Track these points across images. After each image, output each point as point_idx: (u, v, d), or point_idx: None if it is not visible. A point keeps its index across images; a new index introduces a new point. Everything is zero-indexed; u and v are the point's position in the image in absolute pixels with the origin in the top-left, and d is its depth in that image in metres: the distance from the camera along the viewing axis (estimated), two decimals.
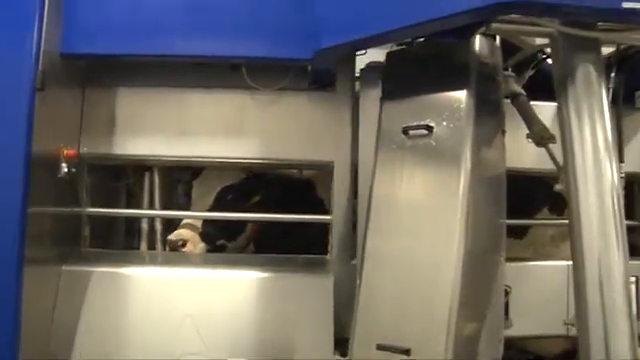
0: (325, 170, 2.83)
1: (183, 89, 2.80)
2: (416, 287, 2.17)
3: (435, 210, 2.19)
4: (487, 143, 2.38)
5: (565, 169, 2.23)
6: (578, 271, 2.15)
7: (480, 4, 1.87)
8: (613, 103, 3.15)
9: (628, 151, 3.13)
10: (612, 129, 2.73)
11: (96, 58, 2.63)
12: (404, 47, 2.51)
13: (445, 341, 2.05)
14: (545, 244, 3.17)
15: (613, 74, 3.12)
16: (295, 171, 3.39)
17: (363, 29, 2.19)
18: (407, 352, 2.09)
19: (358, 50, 2.52)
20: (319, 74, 2.71)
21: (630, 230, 3.34)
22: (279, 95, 2.78)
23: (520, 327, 2.96)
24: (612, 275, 2.11)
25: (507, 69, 2.81)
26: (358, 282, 2.31)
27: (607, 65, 3.11)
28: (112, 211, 3.11)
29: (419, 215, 2.23)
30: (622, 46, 2.98)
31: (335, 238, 2.70)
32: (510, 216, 3.05)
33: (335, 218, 2.70)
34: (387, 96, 2.45)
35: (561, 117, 2.25)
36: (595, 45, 2.29)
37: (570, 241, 2.20)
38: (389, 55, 2.52)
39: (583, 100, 2.21)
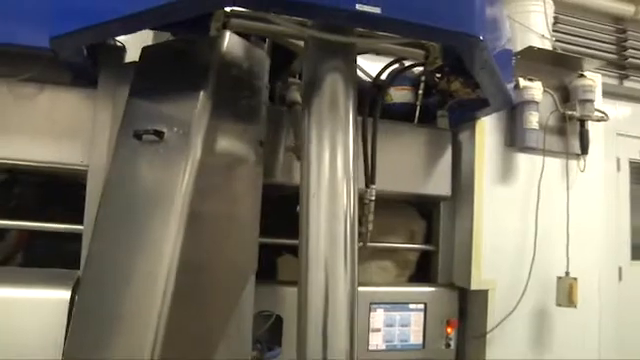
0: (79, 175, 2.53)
1: None
2: (127, 305, 1.90)
3: (154, 222, 1.94)
4: (231, 154, 2.16)
5: (301, 187, 2.03)
6: (301, 299, 1.96)
7: None
8: (419, 122, 3.04)
9: (431, 173, 2.98)
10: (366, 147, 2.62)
11: None
12: (160, 42, 2.28)
13: None
14: None
15: (421, 91, 2.99)
16: None
17: (87, 18, 1.96)
18: None
19: (93, 41, 2.23)
20: (80, 68, 2.43)
21: (424, 255, 3.21)
22: (38, 89, 2.47)
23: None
24: (337, 306, 1.92)
25: (294, 76, 2.62)
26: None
27: (417, 84, 3.00)
28: None
29: (140, 226, 1.97)
30: (432, 65, 2.83)
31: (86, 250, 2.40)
32: (291, 235, 2.86)
33: (87, 228, 2.41)
34: (133, 95, 2.19)
35: (302, 130, 2.05)
36: (349, 53, 2.12)
37: (298, 265, 2.00)
38: (143, 50, 2.27)
39: (326, 114, 2.02)
